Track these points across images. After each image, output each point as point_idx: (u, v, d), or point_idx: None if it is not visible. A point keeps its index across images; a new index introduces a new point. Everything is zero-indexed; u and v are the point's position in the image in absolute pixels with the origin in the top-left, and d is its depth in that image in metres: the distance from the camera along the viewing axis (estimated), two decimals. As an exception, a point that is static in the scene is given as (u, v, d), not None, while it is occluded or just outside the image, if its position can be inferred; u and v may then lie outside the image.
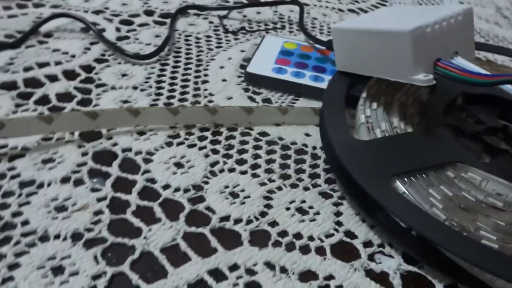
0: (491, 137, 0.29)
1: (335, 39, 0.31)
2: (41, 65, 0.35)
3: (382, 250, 0.24)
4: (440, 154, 0.25)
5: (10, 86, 0.32)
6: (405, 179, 0.24)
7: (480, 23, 0.54)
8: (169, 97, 0.34)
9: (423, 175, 0.24)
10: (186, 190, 0.26)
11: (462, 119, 0.30)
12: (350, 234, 0.25)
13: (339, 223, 0.25)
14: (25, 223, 0.23)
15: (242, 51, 0.41)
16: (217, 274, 0.22)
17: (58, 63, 0.35)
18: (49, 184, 0.25)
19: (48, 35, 0.39)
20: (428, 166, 0.24)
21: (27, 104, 0.31)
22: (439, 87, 0.31)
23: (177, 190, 0.26)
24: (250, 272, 0.22)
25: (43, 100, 0.31)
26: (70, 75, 0.34)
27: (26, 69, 0.34)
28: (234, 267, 0.22)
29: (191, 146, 0.29)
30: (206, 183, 0.27)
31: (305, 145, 0.31)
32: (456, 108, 0.31)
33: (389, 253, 0.24)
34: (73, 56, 0.37)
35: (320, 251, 0.23)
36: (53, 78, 0.34)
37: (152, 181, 0.26)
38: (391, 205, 0.22)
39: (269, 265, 0.22)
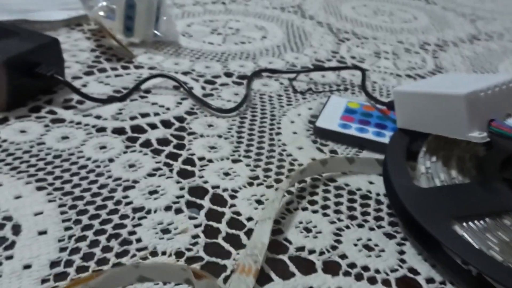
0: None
1: (397, 100, 0.36)
2: (143, 115, 0.42)
3: (444, 287, 0.27)
4: (496, 203, 0.28)
5: (120, 131, 0.39)
6: (464, 223, 0.27)
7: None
8: (248, 145, 0.39)
9: (481, 221, 0.27)
10: (266, 223, 0.30)
11: (518, 175, 0.32)
12: (413, 270, 0.28)
13: (402, 261, 0.28)
14: (138, 240, 0.28)
15: (310, 108, 0.46)
16: (296, 295, 0.25)
17: (156, 114, 0.43)
18: (155, 211, 0.30)
19: (147, 91, 0.47)
20: (485, 213, 0.27)
21: (135, 146, 0.37)
22: (495, 145, 0.34)
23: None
24: (324, 295, 0.25)
25: (147, 143, 0.38)
26: (166, 124, 0.41)
27: (132, 118, 0.41)
28: (310, 290, 0.26)
29: (269, 187, 0.34)
30: (283, 218, 0.31)
31: (369, 191, 0.34)
32: (512, 164, 0.33)
33: (450, 291, 0.26)
34: (168, 109, 0.44)
35: (386, 283, 0.26)
36: (153, 126, 0.40)
37: (238, 213, 0.31)
38: (451, 245, 0.25)
39: (341, 291, 0.26)
